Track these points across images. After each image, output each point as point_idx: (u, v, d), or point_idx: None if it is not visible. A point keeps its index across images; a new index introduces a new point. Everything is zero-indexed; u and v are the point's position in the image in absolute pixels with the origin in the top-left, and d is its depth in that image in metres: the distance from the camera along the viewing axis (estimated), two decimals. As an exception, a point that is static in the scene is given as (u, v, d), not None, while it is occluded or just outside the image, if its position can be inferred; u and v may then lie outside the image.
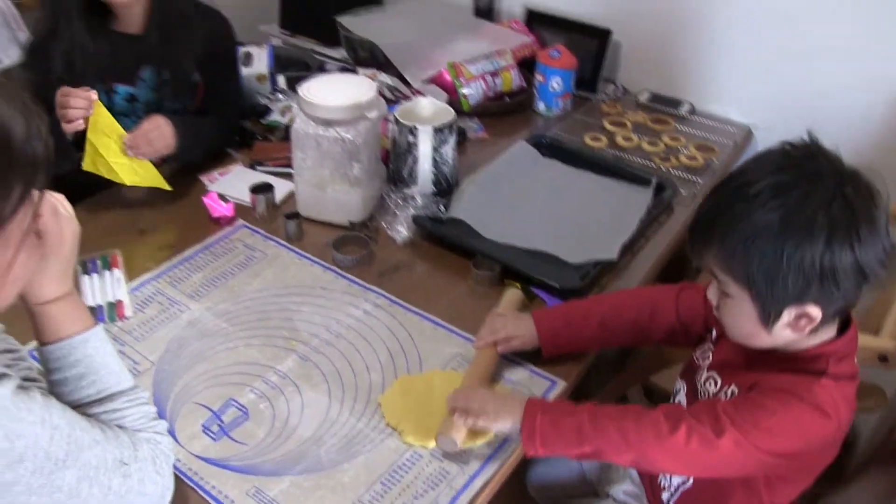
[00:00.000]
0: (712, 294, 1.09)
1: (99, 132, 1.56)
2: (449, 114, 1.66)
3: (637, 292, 1.39)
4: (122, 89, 1.74)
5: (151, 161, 1.63)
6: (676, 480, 1.25)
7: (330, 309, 1.43)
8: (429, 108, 1.71)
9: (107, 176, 1.60)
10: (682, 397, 1.26)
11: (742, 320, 1.04)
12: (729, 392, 1.12)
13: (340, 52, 2.35)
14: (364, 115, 1.54)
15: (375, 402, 1.25)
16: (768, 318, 1.01)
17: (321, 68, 2.24)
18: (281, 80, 2.06)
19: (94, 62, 1.68)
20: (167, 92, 1.75)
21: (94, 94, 1.54)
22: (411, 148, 1.63)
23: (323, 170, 1.57)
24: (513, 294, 1.44)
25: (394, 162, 1.68)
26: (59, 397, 0.94)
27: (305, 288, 1.48)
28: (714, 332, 1.22)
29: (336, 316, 1.42)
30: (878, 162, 1.01)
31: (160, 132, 1.62)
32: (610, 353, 1.40)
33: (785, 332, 1.02)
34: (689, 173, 1.88)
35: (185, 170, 1.78)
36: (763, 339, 1.05)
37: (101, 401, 0.97)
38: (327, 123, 1.53)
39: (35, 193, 0.81)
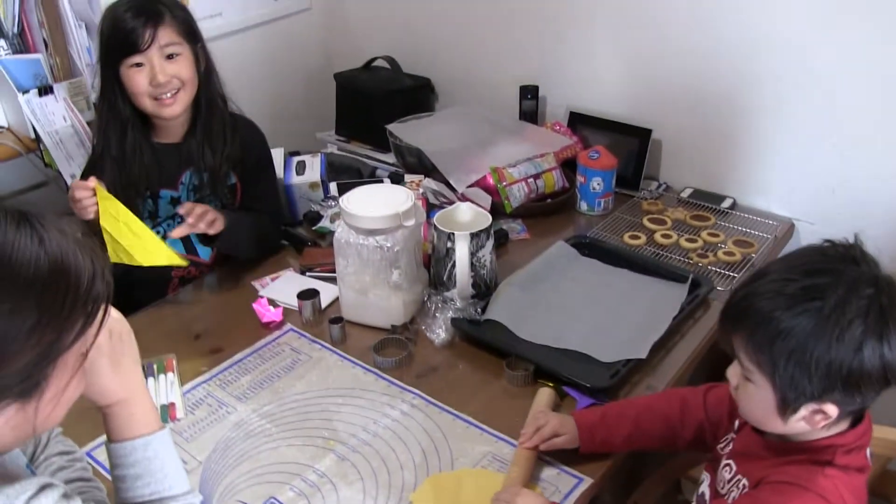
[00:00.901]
0: (733, 374, 1.13)
1: (109, 218, 1.67)
2: (486, 219, 1.74)
3: (669, 392, 1.44)
4: (166, 193, 1.88)
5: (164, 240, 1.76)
6: None
7: (368, 409, 1.50)
8: (467, 213, 1.79)
9: (126, 261, 1.68)
10: (705, 487, 1.28)
11: (759, 406, 1.08)
12: (741, 483, 1.15)
13: (392, 158, 2.47)
14: (402, 223, 1.63)
15: (408, 501, 1.30)
16: (786, 410, 1.04)
17: (372, 174, 2.36)
18: (333, 188, 2.18)
19: (142, 171, 1.83)
20: (206, 193, 1.89)
21: (93, 181, 1.67)
22: (449, 253, 1.70)
23: (364, 276, 1.66)
24: (546, 393, 1.48)
25: (434, 266, 1.76)
26: (118, 493, 1.04)
27: (346, 389, 1.55)
28: (737, 424, 1.25)
29: (374, 416, 1.48)
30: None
31: (211, 211, 1.77)
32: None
33: (799, 424, 1.06)
34: (727, 269, 1.91)
35: (238, 275, 1.89)
36: (776, 425, 1.08)
37: (153, 502, 1.05)
38: (367, 232, 1.62)
39: (95, 324, 0.89)
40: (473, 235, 1.69)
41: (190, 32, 1.79)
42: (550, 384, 1.52)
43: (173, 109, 1.78)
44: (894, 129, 1.94)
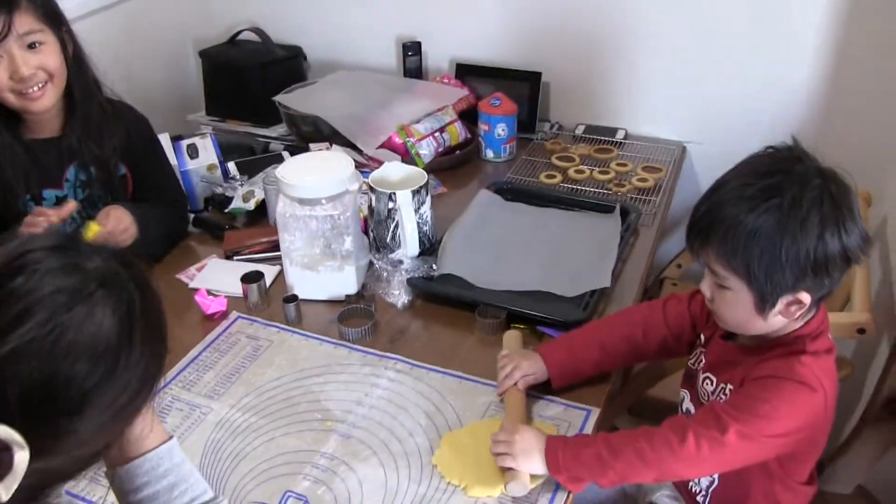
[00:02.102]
0: (706, 287, 1.18)
1: None
2: (421, 176, 1.70)
3: (628, 311, 1.47)
4: (50, 194, 1.70)
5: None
6: (705, 482, 1.32)
7: (354, 383, 1.44)
8: (398, 172, 1.75)
9: None
10: (687, 404, 1.35)
11: (739, 310, 1.15)
12: (727, 389, 1.22)
13: (276, 131, 2.37)
14: (347, 189, 1.56)
15: (430, 465, 1.26)
16: (764, 306, 1.11)
17: (266, 150, 2.25)
18: (232, 167, 2.06)
19: (18, 173, 1.63)
20: (95, 189, 1.73)
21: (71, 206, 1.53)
22: (391, 213, 1.66)
23: (313, 249, 1.59)
24: (512, 336, 1.49)
25: (375, 229, 1.71)
26: None
27: (322, 367, 1.48)
28: (703, 337, 1.32)
29: (363, 389, 1.42)
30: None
31: (123, 225, 1.63)
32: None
33: (777, 319, 1.13)
34: (644, 194, 1.98)
35: (157, 272, 1.75)
36: (757, 325, 1.15)
37: None
38: (313, 203, 1.55)
39: None
40: (415, 192, 1.65)
41: (52, 16, 1.58)
42: (522, 326, 1.53)
43: (42, 103, 1.59)
44: (770, 52, 2.09)
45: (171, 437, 0.98)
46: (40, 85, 1.57)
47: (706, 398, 1.28)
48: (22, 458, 0.67)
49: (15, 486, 0.67)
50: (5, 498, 0.66)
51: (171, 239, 1.85)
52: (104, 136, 1.70)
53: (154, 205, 1.79)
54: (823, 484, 1.66)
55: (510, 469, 1.19)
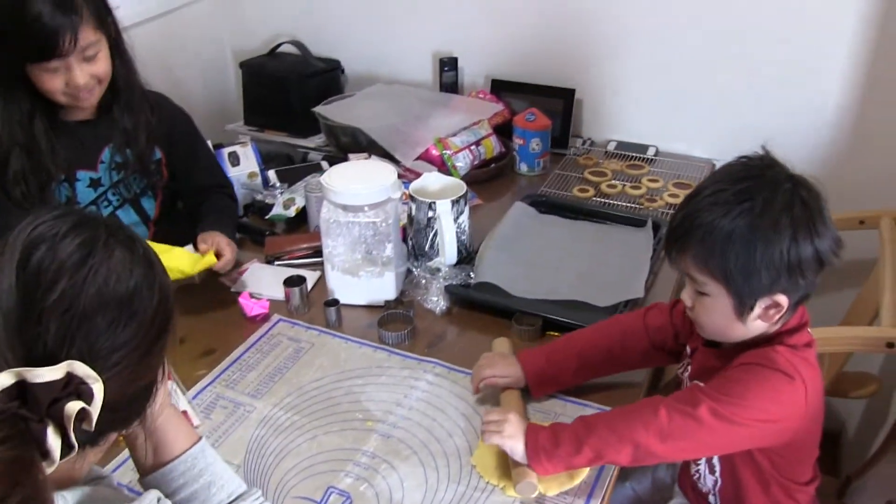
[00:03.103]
0: (687, 296, 1.22)
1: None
2: (460, 186, 1.75)
3: (608, 322, 1.47)
4: (84, 175, 1.72)
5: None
6: (710, 481, 1.35)
7: (393, 385, 1.48)
8: (437, 182, 1.79)
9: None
10: None
11: (718, 315, 1.18)
12: None
13: (313, 142, 2.42)
14: (390, 197, 1.61)
15: (468, 465, 1.30)
16: (743, 310, 1.14)
17: (304, 159, 2.30)
18: (272, 175, 2.11)
19: (56, 155, 1.66)
20: (130, 172, 1.76)
21: None
22: (430, 222, 1.70)
23: (355, 255, 1.63)
24: (501, 340, 1.52)
25: (414, 237, 1.75)
26: None
27: (362, 369, 1.52)
28: (689, 349, 1.35)
29: (402, 391, 1.46)
30: (815, 171, 1.19)
31: (230, 254, 1.72)
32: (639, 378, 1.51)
33: (756, 323, 1.16)
34: (674, 209, 2.01)
35: (202, 274, 1.80)
36: (737, 330, 1.18)
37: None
38: (356, 209, 1.59)
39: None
40: (454, 202, 1.70)
41: (104, 18, 1.60)
42: (557, 334, 1.56)
43: (90, 102, 1.65)
44: (800, 71, 2.12)
45: (200, 438, 1.03)
46: (90, 89, 1.61)
47: None
48: (98, 388, 0.73)
49: (96, 417, 0.73)
50: (91, 427, 0.72)
51: (235, 225, 1.92)
52: (139, 119, 1.73)
53: (210, 201, 1.87)
54: (851, 498, 1.68)
55: (521, 468, 1.22)
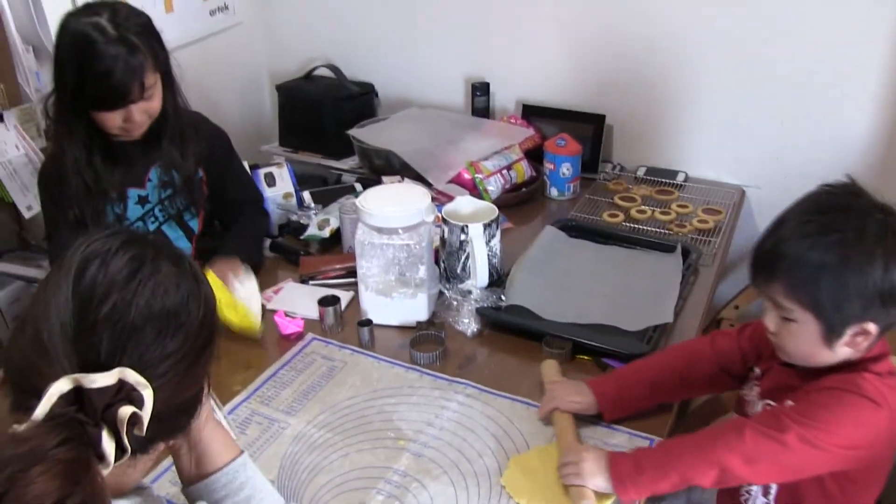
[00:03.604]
0: (770, 321, 1.22)
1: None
2: (491, 210, 1.78)
3: (676, 347, 1.51)
4: (133, 193, 1.80)
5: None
6: (760, 503, 1.35)
7: (425, 405, 1.50)
8: (469, 206, 1.82)
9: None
10: None
11: (804, 341, 1.19)
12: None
13: (347, 164, 2.47)
14: (423, 220, 1.64)
15: (498, 485, 1.32)
16: (831, 337, 1.15)
17: (338, 181, 2.35)
18: (306, 196, 2.15)
19: (111, 176, 1.74)
20: (175, 189, 1.83)
21: None
22: (463, 245, 1.73)
23: (388, 276, 1.66)
24: (550, 365, 1.54)
25: (446, 260, 1.78)
26: None
27: (394, 389, 1.55)
28: (758, 370, 1.36)
29: (433, 411, 1.49)
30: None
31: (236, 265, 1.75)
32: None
33: (843, 350, 1.17)
34: (704, 235, 2.03)
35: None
36: (823, 356, 1.19)
37: None
38: (391, 232, 1.62)
39: None
40: (486, 226, 1.73)
41: (159, 56, 1.67)
42: (587, 357, 1.58)
43: (141, 132, 1.72)
44: (829, 101, 2.14)
45: (242, 452, 1.06)
46: (143, 123, 1.69)
47: None
48: (148, 395, 0.77)
49: (146, 422, 0.77)
50: (142, 432, 0.77)
51: (262, 243, 1.99)
52: (187, 143, 1.81)
53: (236, 220, 1.94)
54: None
55: (577, 488, 1.24)
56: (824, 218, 1.14)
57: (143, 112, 1.66)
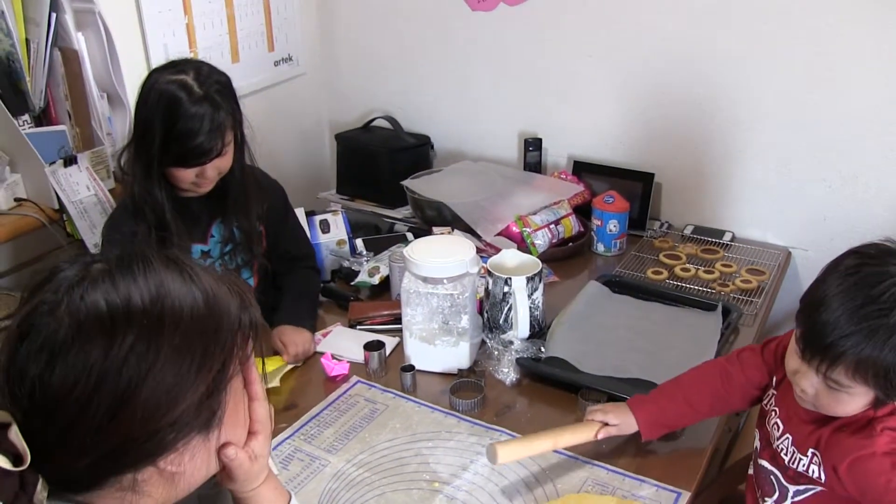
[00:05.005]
0: (810, 386, 1.22)
1: None
2: (535, 264, 1.83)
3: (705, 365, 1.56)
4: (196, 248, 1.86)
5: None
6: None
7: (461, 450, 1.55)
8: (514, 259, 1.88)
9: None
10: (757, 442, 1.46)
11: (850, 406, 1.21)
12: (786, 442, 1.32)
13: (400, 213, 2.55)
14: (468, 271, 1.70)
15: (527, 532, 1.36)
16: (879, 403, 1.19)
17: (391, 230, 2.43)
18: (359, 244, 2.24)
19: (181, 233, 1.79)
20: (235, 244, 1.89)
21: None
22: (506, 297, 1.79)
23: (432, 324, 1.73)
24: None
25: (489, 310, 1.84)
26: None
27: (432, 433, 1.61)
28: (775, 379, 1.42)
29: (468, 456, 1.54)
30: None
31: (294, 350, 1.81)
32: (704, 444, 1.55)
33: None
34: (746, 295, 2.05)
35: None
36: (855, 411, 1.22)
37: None
38: (436, 281, 1.69)
39: (249, 347, 0.94)
40: (529, 279, 1.78)
41: (236, 115, 1.74)
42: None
43: (210, 188, 1.78)
44: (876, 164, 2.16)
45: (291, 496, 1.09)
46: (213, 179, 1.76)
47: (774, 442, 1.37)
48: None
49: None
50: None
51: (318, 304, 2.03)
52: (250, 199, 1.88)
53: (292, 278, 2.00)
54: None
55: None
56: (869, 291, 1.12)
57: (216, 168, 1.72)
